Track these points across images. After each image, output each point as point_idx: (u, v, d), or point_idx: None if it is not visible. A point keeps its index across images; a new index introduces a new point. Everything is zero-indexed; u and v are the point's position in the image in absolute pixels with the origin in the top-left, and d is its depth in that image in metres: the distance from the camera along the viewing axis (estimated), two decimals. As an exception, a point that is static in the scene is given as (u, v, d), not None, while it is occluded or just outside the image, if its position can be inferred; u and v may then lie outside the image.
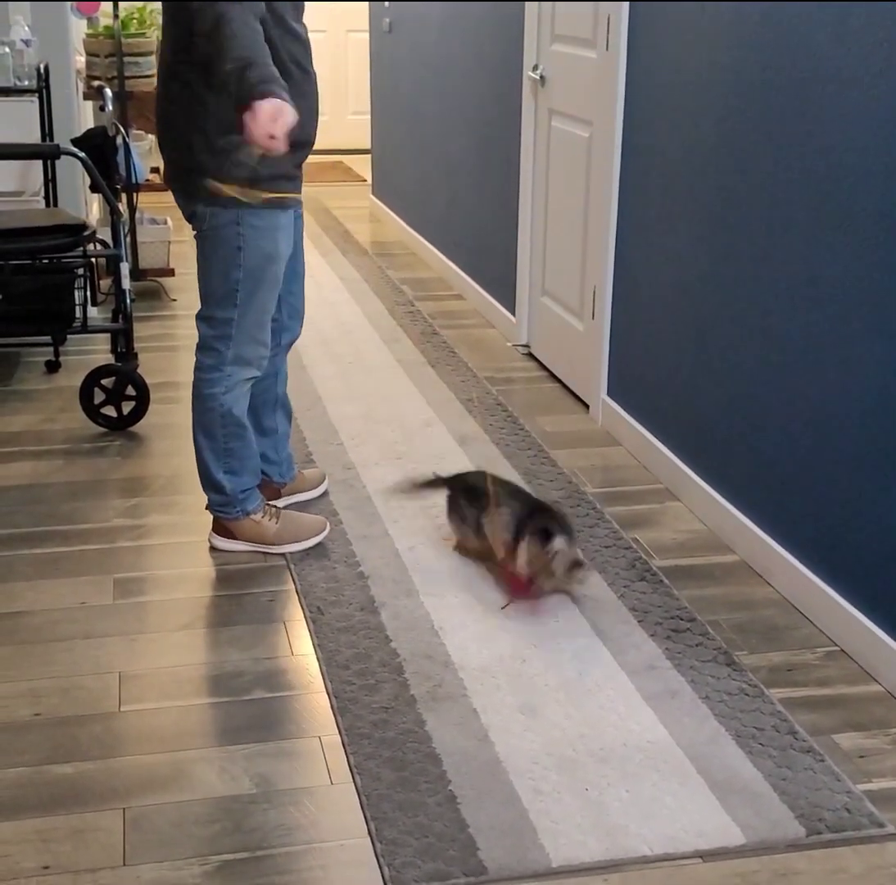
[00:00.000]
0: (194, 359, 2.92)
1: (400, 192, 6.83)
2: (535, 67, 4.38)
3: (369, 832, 2.04)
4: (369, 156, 7.67)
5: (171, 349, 4.66)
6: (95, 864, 1.97)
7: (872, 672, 2.53)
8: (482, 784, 2.15)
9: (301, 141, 2.70)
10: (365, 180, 8.28)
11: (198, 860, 1.98)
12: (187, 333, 4.83)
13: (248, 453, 2.96)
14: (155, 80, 5.35)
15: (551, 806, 2.10)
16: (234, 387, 2.89)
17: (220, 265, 2.78)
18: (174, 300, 5.30)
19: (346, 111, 9.05)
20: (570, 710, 2.38)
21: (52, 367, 4.37)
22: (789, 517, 2.84)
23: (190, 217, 2.79)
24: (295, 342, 3.15)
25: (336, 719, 2.35)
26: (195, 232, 2.81)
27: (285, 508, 3.11)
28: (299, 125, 2.56)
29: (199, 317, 2.89)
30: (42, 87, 4.66)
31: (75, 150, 3.79)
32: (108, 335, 4.19)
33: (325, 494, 3.36)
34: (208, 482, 2.98)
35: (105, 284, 4.62)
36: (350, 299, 5.41)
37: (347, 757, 2.24)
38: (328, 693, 2.44)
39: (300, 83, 2.67)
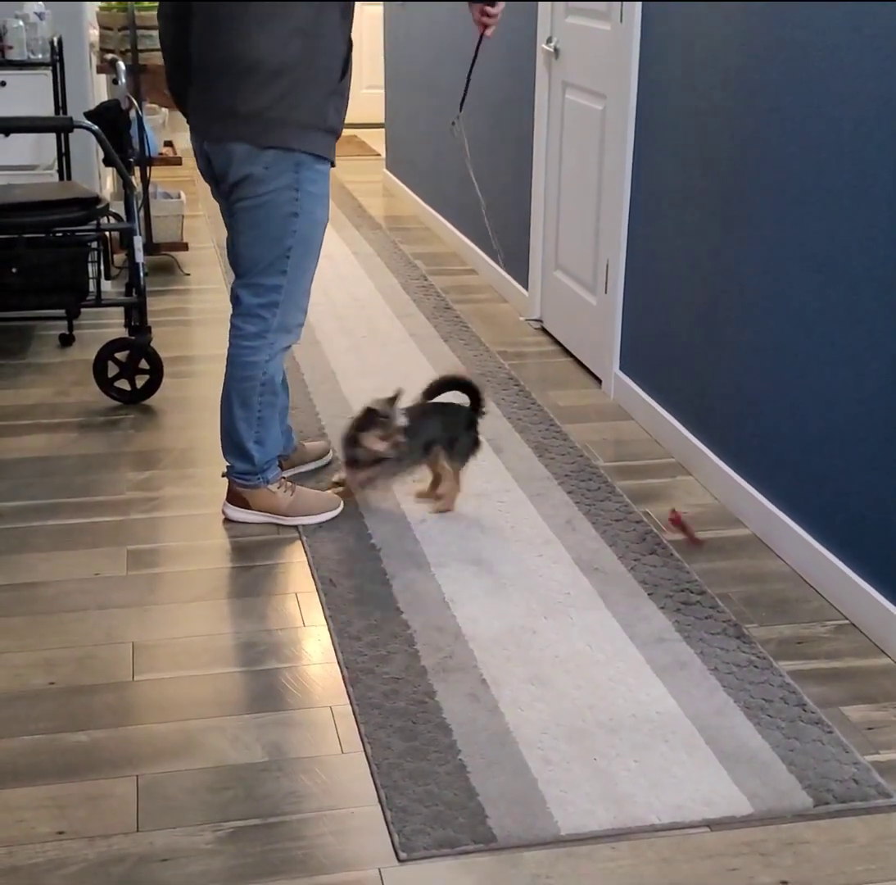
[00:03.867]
0: (232, 327, 2.90)
1: (414, 166, 6.81)
2: (549, 40, 4.35)
3: (380, 800, 2.06)
4: (383, 130, 7.65)
5: (184, 323, 4.67)
6: (109, 830, 1.99)
7: (882, 645, 2.53)
8: (492, 754, 2.17)
9: (348, 90, 2.75)
10: (379, 154, 8.26)
11: (210, 826, 2.01)
12: (201, 307, 4.84)
13: (274, 422, 2.99)
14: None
15: (560, 776, 2.11)
16: (276, 355, 2.91)
17: (274, 232, 2.76)
18: (188, 274, 5.30)
19: (360, 85, 9.01)
20: (579, 681, 2.39)
21: (66, 340, 4.39)
22: (800, 491, 2.84)
23: (240, 181, 2.71)
24: None
25: (347, 689, 2.37)
26: (242, 200, 2.75)
27: (290, 479, 3.13)
28: (349, 76, 2.74)
29: (242, 286, 2.86)
30: (56, 61, 4.66)
31: (89, 123, 3.79)
32: (122, 309, 4.20)
33: (338, 467, 3.37)
34: (236, 451, 2.98)
35: (119, 258, 4.64)
36: (363, 274, 5.41)
37: (358, 727, 2.26)
38: (339, 664, 2.46)
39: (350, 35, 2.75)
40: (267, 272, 2.81)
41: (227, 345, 2.93)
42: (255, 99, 2.65)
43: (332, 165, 2.82)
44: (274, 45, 2.61)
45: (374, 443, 2.94)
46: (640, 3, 3.58)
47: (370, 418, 2.95)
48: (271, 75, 2.63)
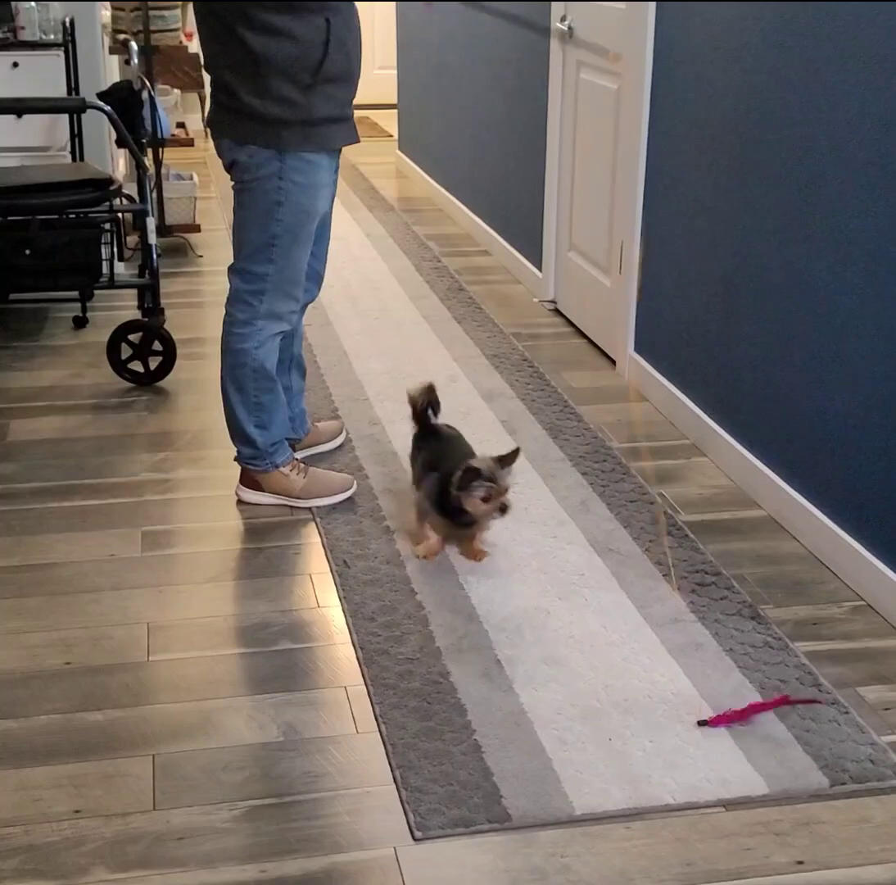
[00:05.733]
0: (224, 313, 2.92)
1: (426, 147, 6.78)
2: (563, 19, 4.32)
3: (395, 780, 2.07)
4: (395, 111, 7.62)
5: (197, 305, 4.67)
6: (126, 809, 2.00)
7: (898, 626, 2.52)
8: (507, 734, 2.17)
9: (345, 73, 2.71)
10: (391, 136, 8.23)
11: (226, 805, 2.01)
12: (214, 289, 4.83)
13: (277, 406, 2.98)
14: (180, 33, 5.33)
15: (575, 756, 2.11)
16: (265, 341, 2.90)
17: (259, 219, 2.77)
18: (200, 256, 5.30)
19: (372, 66, 8.97)
20: (594, 662, 2.39)
21: (80, 323, 4.39)
22: (816, 472, 2.83)
23: (230, 166, 2.78)
24: (310, 303, 3.12)
25: (362, 669, 2.37)
26: (234, 183, 2.80)
27: (304, 461, 3.13)
28: (344, 57, 2.67)
29: (233, 270, 2.88)
30: (67, 41, 4.64)
31: (100, 104, 3.78)
32: (135, 291, 4.20)
33: (351, 448, 3.37)
34: (239, 436, 2.99)
35: (132, 240, 4.64)
36: (376, 256, 5.40)
37: (373, 707, 2.26)
38: (354, 644, 2.46)
39: (347, 16, 2.69)
40: (254, 258, 2.82)
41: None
42: (232, 97, 2.69)
43: (350, 143, 2.81)
44: (244, 46, 2.62)
45: (476, 506, 2.65)
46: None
47: (471, 477, 2.62)
48: (244, 75, 2.64)
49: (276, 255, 2.79)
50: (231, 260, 2.90)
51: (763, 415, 3.07)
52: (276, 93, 2.64)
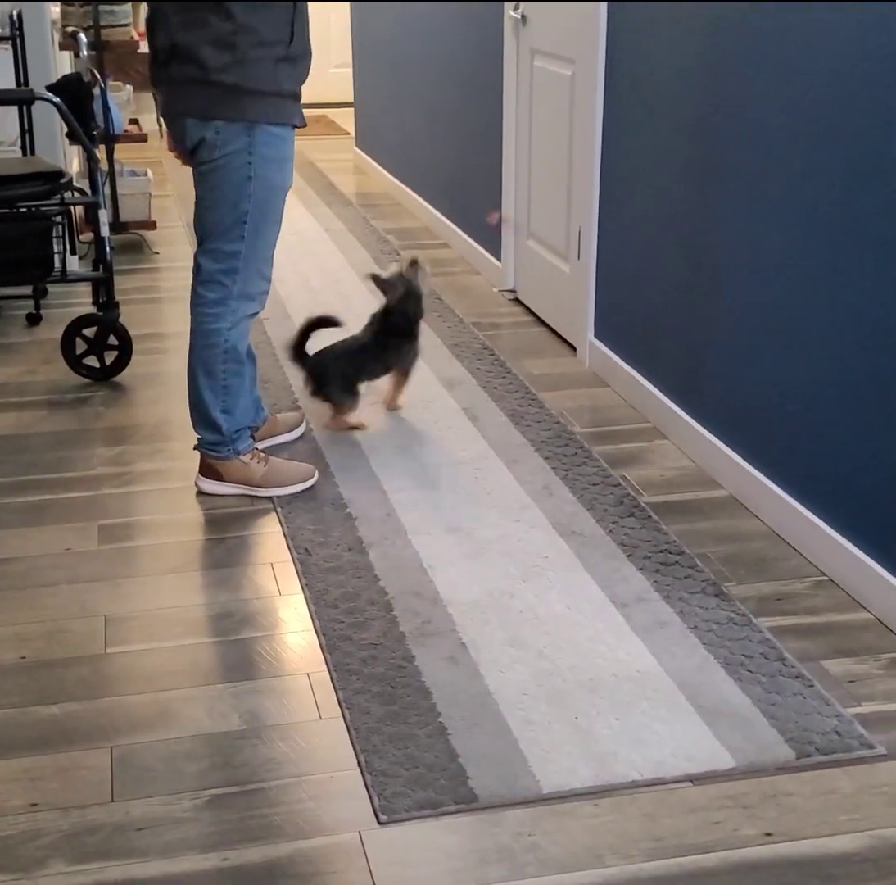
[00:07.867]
0: (194, 295, 2.88)
1: (384, 142, 6.75)
2: (516, 7, 4.31)
3: (359, 765, 2.03)
4: (352, 109, 7.58)
5: (154, 301, 4.61)
6: (84, 801, 1.96)
7: (861, 600, 2.52)
8: (472, 716, 2.15)
9: (307, 51, 2.72)
10: (348, 133, 8.20)
11: (187, 794, 1.97)
12: (171, 285, 4.78)
13: (242, 391, 2.95)
14: (131, 29, 5.27)
15: (541, 735, 2.09)
16: (238, 322, 2.87)
17: (230, 196, 2.74)
18: (157, 253, 5.24)
19: (328, 64, 8.94)
20: (559, 642, 2.37)
21: (34, 320, 4.32)
22: (777, 450, 2.83)
23: (197, 146, 2.73)
24: None
25: (325, 656, 2.34)
26: (200, 165, 2.76)
27: (264, 450, 3.09)
28: (307, 39, 2.71)
29: (203, 251, 2.84)
30: (16, 35, 4.57)
31: (50, 95, 3.72)
32: (91, 288, 4.14)
33: (311, 438, 3.33)
34: (204, 421, 2.95)
35: (85, 237, 4.58)
36: (335, 249, 5.36)
37: (336, 693, 2.23)
38: (316, 631, 2.43)
39: (303, 3, 2.70)
40: (225, 237, 2.79)
41: (190, 314, 2.90)
42: (203, 71, 2.66)
43: (302, 125, 2.80)
44: (218, 19, 2.60)
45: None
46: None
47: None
48: (223, 48, 2.62)
49: (247, 232, 2.77)
50: (188, 257, 2.88)
51: (723, 396, 3.06)
52: (254, 64, 2.64)
